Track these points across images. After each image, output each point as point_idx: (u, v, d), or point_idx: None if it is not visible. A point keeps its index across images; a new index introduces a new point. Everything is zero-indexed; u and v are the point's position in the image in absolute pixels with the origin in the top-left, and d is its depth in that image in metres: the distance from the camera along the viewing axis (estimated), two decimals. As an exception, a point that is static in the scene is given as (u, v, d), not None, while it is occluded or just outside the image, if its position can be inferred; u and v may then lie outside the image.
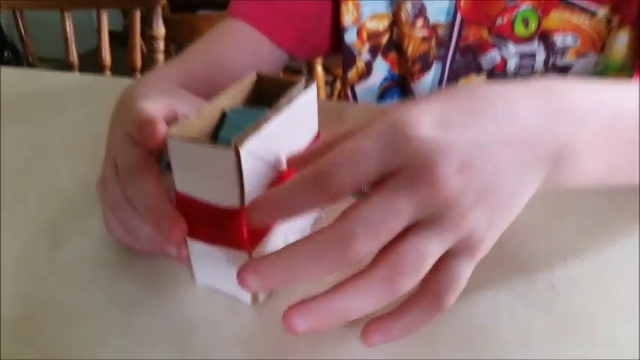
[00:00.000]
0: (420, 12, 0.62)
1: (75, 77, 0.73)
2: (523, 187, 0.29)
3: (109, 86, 0.68)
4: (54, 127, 0.56)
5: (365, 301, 0.26)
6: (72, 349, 0.31)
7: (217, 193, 0.29)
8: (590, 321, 0.31)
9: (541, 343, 0.30)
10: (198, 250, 0.33)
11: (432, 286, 0.27)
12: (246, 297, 0.33)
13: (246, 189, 0.29)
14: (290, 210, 0.27)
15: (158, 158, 0.35)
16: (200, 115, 0.31)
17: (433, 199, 0.26)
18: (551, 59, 0.59)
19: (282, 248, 0.27)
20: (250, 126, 0.29)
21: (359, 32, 0.64)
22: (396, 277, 0.26)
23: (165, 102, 0.34)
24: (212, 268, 0.33)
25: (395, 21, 0.64)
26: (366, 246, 0.25)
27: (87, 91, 0.65)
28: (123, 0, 1.05)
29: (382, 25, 0.64)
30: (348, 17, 0.64)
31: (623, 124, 0.32)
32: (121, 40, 1.06)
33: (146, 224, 0.33)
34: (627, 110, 0.32)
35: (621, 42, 0.55)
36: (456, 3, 0.61)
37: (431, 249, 0.26)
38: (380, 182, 0.27)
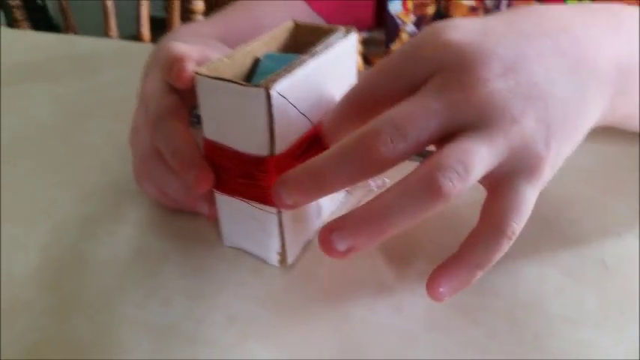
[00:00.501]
0: None
1: (111, 42, 0.72)
2: (582, 101, 0.26)
3: (144, 51, 0.67)
4: (86, 88, 0.56)
5: (408, 202, 0.22)
6: (92, 301, 0.30)
7: (246, 140, 0.27)
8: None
9: (590, 321, 0.27)
10: (227, 206, 0.31)
11: (493, 210, 0.24)
12: (273, 258, 0.31)
13: (277, 136, 0.27)
14: (328, 187, 0.24)
15: (190, 111, 0.34)
16: (231, 57, 0.30)
17: (471, 101, 0.23)
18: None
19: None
20: (284, 68, 0.27)
21: (404, 2, 0.62)
22: (438, 173, 0.22)
23: (198, 48, 0.33)
24: (240, 226, 0.31)
25: (440, -10, 0.61)
26: (393, 144, 0.23)
27: (122, 55, 0.64)
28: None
29: None
30: None
31: None
32: (162, 25, 1.05)
33: (175, 176, 0.31)
34: None
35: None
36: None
37: (478, 149, 0.23)
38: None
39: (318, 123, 0.30)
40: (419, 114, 0.23)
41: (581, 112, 0.26)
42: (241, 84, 0.26)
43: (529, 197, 0.24)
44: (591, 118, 0.27)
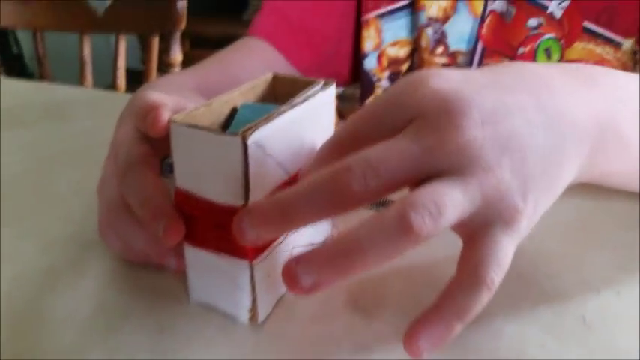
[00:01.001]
0: (441, 39, 0.61)
1: (86, 91, 0.72)
2: (561, 156, 0.26)
3: (119, 101, 0.66)
4: (58, 136, 0.54)
5: (379, 238, 0.22)
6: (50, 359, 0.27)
7: (220, 190, 0.26)
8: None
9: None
10: (196, 259, 0.30)
11: (471, 260, 0.24)
12: (244, 315, 0.30)
13: (252, 186, 0.26)
14: (295, 220, 0.24)
15: (162, 160, 0.33)
16: (208, 105, 0.29)
17: (446, 147, 0.23)
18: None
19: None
20: (261, 118, 0.26)
21: (379, 58, 0.63)
22: (410, 210, 0.22)
23: (174, 98, 0.32)
24: (209, 281, 0.30)
25: (416, 48, 0.63)
26: (365, 181, 0.22)
27: (97, 104, 0.64)
28: (141, 24, 1.05)
29: (403, 51, 0.63)
30: (369, 43, 0.63)
31: None
32: (139, 78, 1.06)
33: (142, 229, 0.30)
34: None
35: (648, 76, 0.53)
36: (477, 31, 0.59)
37: (451, 192, 0.23)
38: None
39: (296, 173, 0.29)
40: (394, 155, 0.23)
41: (560, 167, 0.26)
42: (217, 132, 0.25)
43: (506, 247, 0.24)
44: (569, 174, 0.27)
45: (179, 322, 0.30)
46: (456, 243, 0.25)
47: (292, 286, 0.22)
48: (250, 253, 0.27)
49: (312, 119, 0.30)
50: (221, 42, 0.57)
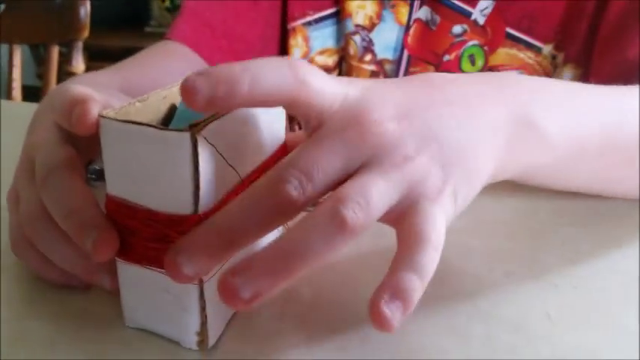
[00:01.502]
0: (369, 46, 0.60)
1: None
2: (475, 147, 0.27)
3: (17, 111, 0.59)
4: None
5: (314, 238, 0.22)
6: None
7: (164, 196, 0.23)
8: (592, 349, 0.27)
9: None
10: (132, 277, 0.26)
11: (408, 231, 0.24)
12: (191, 340, 0.26)
13: (203, 191, 0.22)
14: (240, 241, 0.22)
15: (86, 166, 0.29)
16: (144, 100, 0.25)
17: (366, 139, 0.24)
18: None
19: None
20: (207, 115, 0.23)
21: (309, 65, 0.62)
22: (339, 205, 0.22)
23: (101, 95, 0.28)
24: (148, 302, 0.26)
25: (344, 56, 0.62)
26: (300, 186, 0.22)
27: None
28: (39, 33, 0.96)
29: (332, 60, 0.62)
30: (297, 51, 0.61)
31: (578, 99, 0.32)
32: (35, 93, 0.96)
33: (68, 242, 0.25)
34: (580, 87, 0.33)
35: (566, 78, 0.56)
36: (403, 39, 0.60)
37: (375, 182, 0.23)
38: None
39: (248, 176, 0.26)
40: (322, 155, 0.24)
41: (475, 157, 0.27)
42: (160, 128, 0.22)
43: (437, 216, 0.24)
44: (487, 164, 0.28)
45: (113, 350, 0.26)
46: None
47: (231, 301, 0.21)
48: (200, 267, 0.24)
49: (264, 116, 0.27)
50: (122, 55, 0.53)
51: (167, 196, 0.23)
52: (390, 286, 0.22)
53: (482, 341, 0.27)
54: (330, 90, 0.25)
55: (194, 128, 0.22)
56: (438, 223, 0.24)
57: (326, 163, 0.23)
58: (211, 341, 0.26)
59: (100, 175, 0.27)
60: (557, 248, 0.35)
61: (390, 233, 0.25)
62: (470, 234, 0.36)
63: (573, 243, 0.36)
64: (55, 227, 0.26)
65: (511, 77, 0.32)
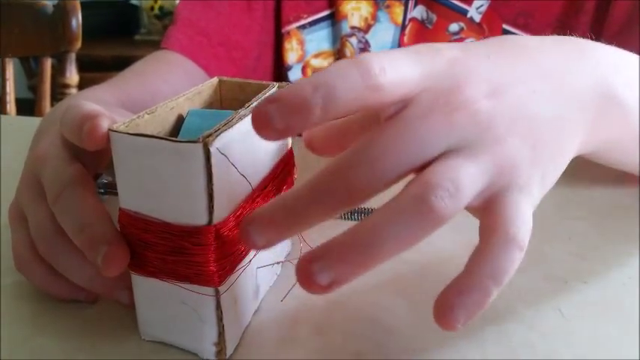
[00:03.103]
0: (365, 48, 0.60)
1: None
2: (566, 124, 0.26)
3: (12, 126, 0.59)
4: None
5: (398, 225, 0.21)
6: None
7: (178, 208, 0.23)
8: (609, 345, 0.27)
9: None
10: (147, 290, 0.26)
11: (494, 223, 0.22)
12: (209, 351, 0.26)
13: (217, 200, 0.22)
14: (304, 221, 0.21)
15: (94, 180, 0.28)
16: (152, 112, 0.25)
17: (456, 120, 0.23)
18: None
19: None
20: (220, 123, 0.23)
21: (303, 70, 0.62)
22: (428, 191, 0.21)
23: (107, 112, 0.28)
24: (165, 314, 0.26)
25: (339, 57, 0.62)
26: (373, 168, 0.21)
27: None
28: (31, 45, 0.95)
29: (327, 62, 0.62)
30: (292, 55, 0.61)
31: None
32: (29, 108, 0.95)
33: (83, 257, 0.25)
34: None
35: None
36: (399, 39, 0.60)
37: (465, 167, 0.22)
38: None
39: (259, 185, 0.26)
40: (401, 138, 0.22)
41: (565, 134, 0.26)
42: (172, 140, 0.22)
43: (526, 208, 0.23)
44: (574, 142, 0.27)
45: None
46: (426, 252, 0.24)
47: (310, 286, 0.20)
48: (216, 278, 0.24)
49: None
50: (114, 64, 0.53)
51: (181, 207, 0.23)
52: (463, 288, 0.21)
53: (497, 340, 0.27)
54: (412, 76, 0.23)
55: (206, 139, 0.22)
56: (525, 216, 0.23)
57: (403, 144, 0.22)
58: (229, 351, 0.26)
59: (108, 189, 0.27)
60: (564, 243, 0.35)
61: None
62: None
63: (580, 237, 0.36)
64: (70, 243, 0.26)
65: (585, 43, 0.30)
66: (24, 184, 0.29)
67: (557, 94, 0.26)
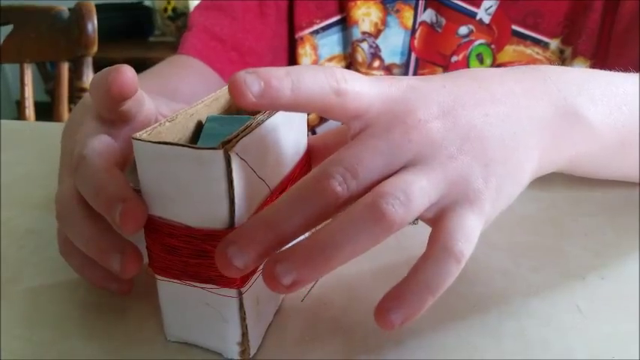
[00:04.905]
0: (375, 52, 0.61)
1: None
2: (521, 144, 0.27)
3: (36, 131, 0.60)
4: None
5: (352, 230, 0.22)
6: None
7: (200, 213, 0.24)
8: (626, 340, 0.27)
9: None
10: (171, 293, 0.26)
11: (438, 235, 0.24)
12: (233, 350, 0.26)
13: (237, 205, 0.23)
14: (286, 234, 0.23)
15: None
16: (173, 119, 0.26)
17: (411, 139, 0.25)
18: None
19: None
20: (239, 129, 0.24)
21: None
22: (379, 199, 0.23)
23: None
24: (189, 315, 0.27)
25: (351, 62, 0.62)
26: (344, 182, 0.23)
27: (10, 136, 0.57)
28: (47, 51, 0.97)
29: (340, 66, 0.63)
30: (306, 60, 0.62)
31: (620, 88, 0.32)
32: (47, 111, 0.97)
33: (91, 220, 0.27)
34: (621, 77, 0.33)
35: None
36: (409, 43, 0.60)
37: (417, 180, 0.24)
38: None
39: (277, 187, 0.27)
40: (366, 153, 0.24)
41: (520, 154, 0.27)
42: (193, 147, 0.22)
43: (472, 222, 0.25)
44: (531, 161, 0.28)
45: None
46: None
47: (274, 286, 0.22)
48: (239, 280, 0.24)
49: (288, 127, 0.28)
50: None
51: (203, 212, 0.24)
52: (399, 294, 0.23)
53: (514, 337, 0.28)
54: (369, 93, 0.25)
55: (226, 145, 0.22)
56: (469, 231, 0.24)
57: (370, 160, 0.24)
58: (252, 350, 0.27)
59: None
60: (580, 239, 0.35)
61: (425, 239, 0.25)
62: (492, 229, 0.36)
63: (596, 233, 0.36)
64: (81, 209, 0.27)
65: (553, 70, 0.31)
66: (61, 165, 0.31)
67: (511, 117, 0.27)
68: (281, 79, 0.22)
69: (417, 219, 0.25)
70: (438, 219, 0.25)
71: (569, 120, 0.29)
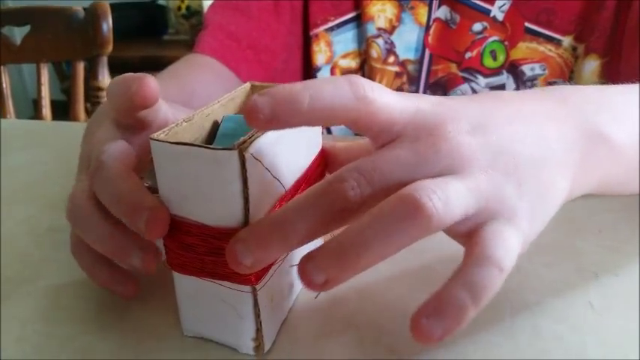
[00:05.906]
0: (390, 48, 0.61)
1: (15, 122, 0.66)
2: (552, 165, 0.26)
3: (54, 131, 0.61)
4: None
5: (385, 226, 0.21)
6: None
7: (216, 211, 0.24)
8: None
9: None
10: (188, 289, 0.27)
11: (477, 247, 0.22)
12: (248, 346, 0.27)
13: (252, 204, 0.24)
14: (294, 238, 0.22)
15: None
16: (189, 120, 0.27)
17: (440, 150, 0.23)
18: (520, 89, 0.59)
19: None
20: (252, 130, 0.24)
21: (332, 71, 0.63)
22: (416, 192, 0.21)
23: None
24: (205, 311, 0.27)
25: (366, 59, 0.63)
26: (358, 187, 0.22)
27: (30, 136, 0.58)
28: (63, 50, 0.99)
29: (355, 63, 0.63)
30: (320, 57, 0.63)
31: (635, 104, 0.31)
32: (63, 110, 0.99)
33: (105, 221, 0.27)
34: (634, 93, 0.32)
35: (589, 69, 0.56)
36: (424, 39, 0.60)
37: (453, 184, 0.22)
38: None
39: (293, 186, 0.27)
40: (385, 161, 0.23)
41: (552, 175, 0.26)
42: (209, 147, 0.23)
43: (512, 237, 0.23)
44: (563, 183, 0.26)
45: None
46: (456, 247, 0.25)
47: (307, 285, 0.22)
48: (253, 277, 0.25)
49: (302, 129, 0.28)
50: (143, 65, 0.55)
51: (219, 210, 0.24)
52: (437, 300, 0.21)
53: (528, 334, 0.28)
54: (396, 105, 0.24)
55: (241, 146, 0.23)
56: (509, 242, 0.23)
57: (389, 169, 0.23)
58: (267, 346, 0.27)
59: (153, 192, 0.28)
60: (595, 236, 0.35)
61: (440, 238, 0.25)
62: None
63: (610, 230, 0.36)
64: (97, 209, 0.27)
65: (570, 89, 0.30)
66: (78, 169, 0.32)
67: (539, 137, 0.26)
68: (296, 95, 0.22)
69: None
70: (473, 233, 0.23)
71: (594, 141, 0.28)
